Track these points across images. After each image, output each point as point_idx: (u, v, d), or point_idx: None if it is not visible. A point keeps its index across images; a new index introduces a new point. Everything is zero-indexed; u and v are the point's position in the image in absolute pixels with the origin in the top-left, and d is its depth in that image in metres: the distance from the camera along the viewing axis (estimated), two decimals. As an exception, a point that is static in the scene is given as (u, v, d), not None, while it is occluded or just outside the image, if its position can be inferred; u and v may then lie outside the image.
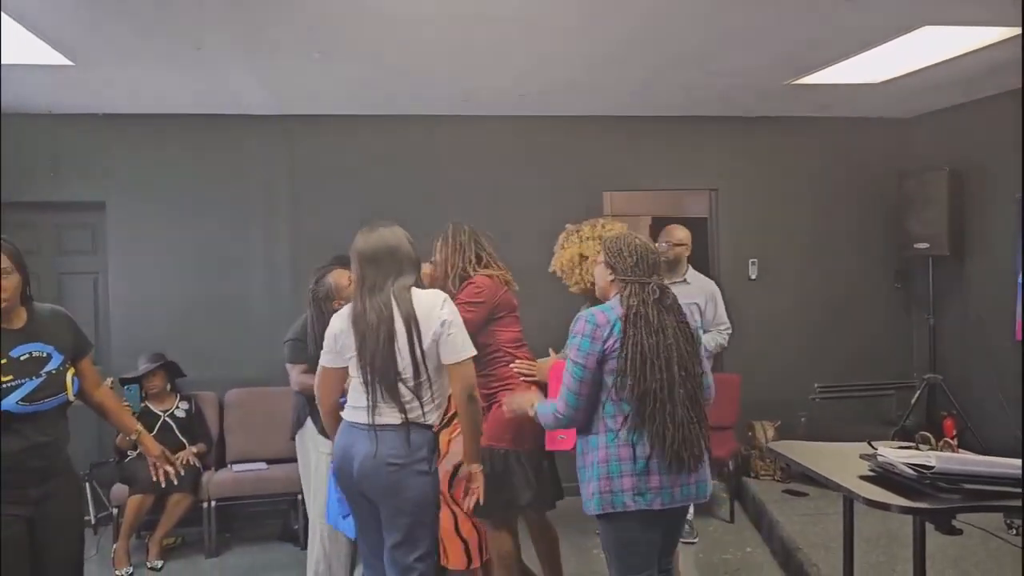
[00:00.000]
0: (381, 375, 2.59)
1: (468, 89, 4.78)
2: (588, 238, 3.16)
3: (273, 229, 5.32)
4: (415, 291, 2.67)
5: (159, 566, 4.49)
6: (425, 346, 2.60)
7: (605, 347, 2.48)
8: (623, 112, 5.54)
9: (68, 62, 3.88)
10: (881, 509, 2.33)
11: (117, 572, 4.32)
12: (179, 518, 4.62)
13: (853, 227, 5.88)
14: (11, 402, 2.45)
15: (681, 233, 4.52)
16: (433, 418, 2.69)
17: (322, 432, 3.74)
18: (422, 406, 2.64)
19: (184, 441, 4.80)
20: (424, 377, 2.61)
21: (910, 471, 2.38)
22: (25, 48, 3.63)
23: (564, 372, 2.55)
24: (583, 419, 2.56)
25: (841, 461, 2.72)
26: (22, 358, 2.51)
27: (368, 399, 2.60)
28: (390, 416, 2.61)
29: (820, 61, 4.32)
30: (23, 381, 2.48)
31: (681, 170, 5.81)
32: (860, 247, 5.89)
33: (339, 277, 3.70)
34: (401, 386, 2.60)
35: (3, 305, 2.46)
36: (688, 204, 6.76)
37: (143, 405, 4.72)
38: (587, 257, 3.12)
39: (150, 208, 5.21)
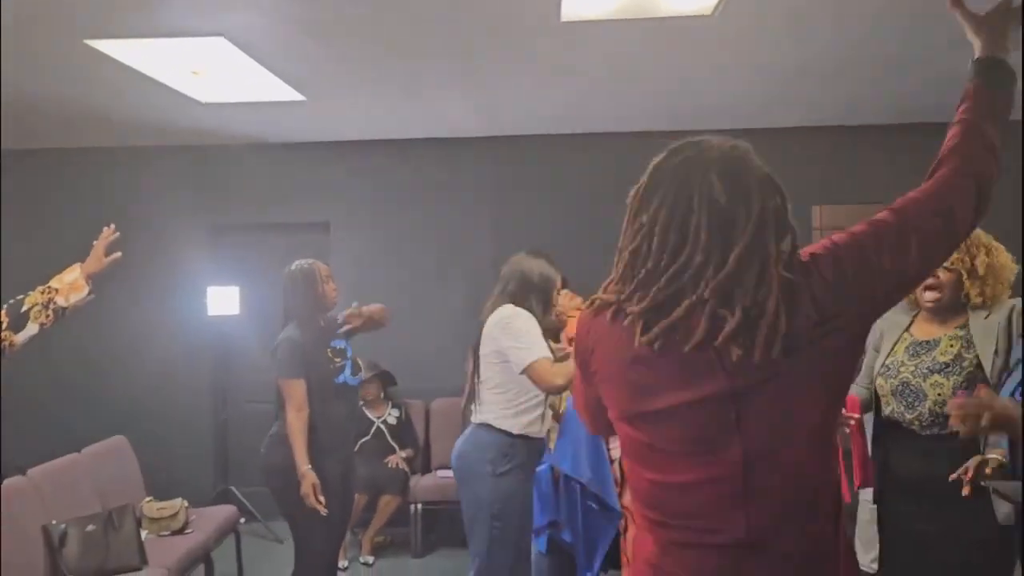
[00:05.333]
0: None
1: (673, 105, 4.75)
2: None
3: (479, 246, 5.55)
4: (500, 307, 2.93)
5: (371, 562, 4.81)
6: (482, 357, 2.93)
7: None
8: (834, 121, 5.27)
9: (301, 97, 4.30)
10: None
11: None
12: (389, 518, 4.92)
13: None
14: (347, 375, 3.39)
15: None
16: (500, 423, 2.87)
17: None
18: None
19: (394, 446, 5.10)
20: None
21: None
22: (267, 87, 4.06)
23: None
24: None
25: None
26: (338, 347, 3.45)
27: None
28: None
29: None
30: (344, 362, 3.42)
31: (898, 182, 5.37)
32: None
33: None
34: None
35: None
36: (907, 218, 6.28)
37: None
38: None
39: (367, 227, 5.62)
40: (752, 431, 1.21)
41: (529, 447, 2.91)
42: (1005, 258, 2.51)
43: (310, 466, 3.14)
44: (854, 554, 1.35)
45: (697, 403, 1.22)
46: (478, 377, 2.93)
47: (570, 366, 2.81)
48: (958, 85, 1.54)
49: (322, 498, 3.13)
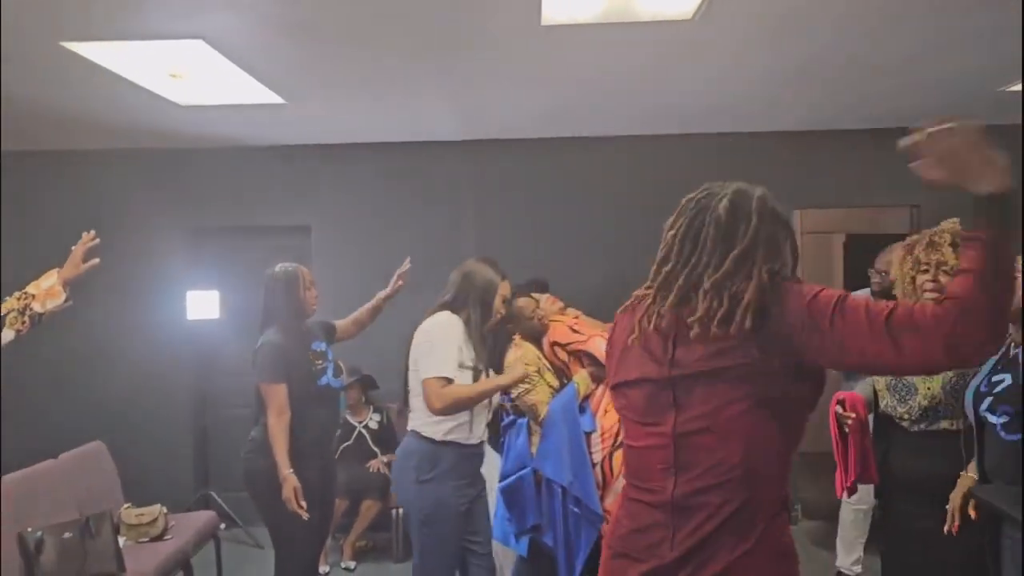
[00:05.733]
0: None
1: (648, 108, 4.77)
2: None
3: (460, 250, 5.53)
4: (433, 315, 2.96)
5: (352, 567, 4.79)
6: (409, 364, 2.97)
7: None
8: (813, 126, 5.32)
9: (282, 100, 4.27)
10: None
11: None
12: (370, 523, 4.90)
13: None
14: (330, 377, 3.37)
15: None
16: (424, 429, 2.90)
17: (494, 446, 3.87)
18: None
19: (376, 451, 5.09)
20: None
21: None
22: (246, 90, 4.04)
23: None
24: None
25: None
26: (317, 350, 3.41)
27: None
28: None
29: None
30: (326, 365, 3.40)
31: (879, 185, 5.47)
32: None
33: (525, 304, 3.78)
34: None
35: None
36: (887, 221, 6.34)
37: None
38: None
39: (348, 231, 5.60)
40: (684, 413, 1.56)
41: (459, 453, 2.91)
42: None
43: (292, 470, 3.12)
44: (784, 542, 1.57)
45: (645, 382, 1.62)
46: (407, 385, 2.97)
47: (463, 392, 2.81)
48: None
49: (303, 503, 3.12)
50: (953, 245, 2.59)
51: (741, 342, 1.49)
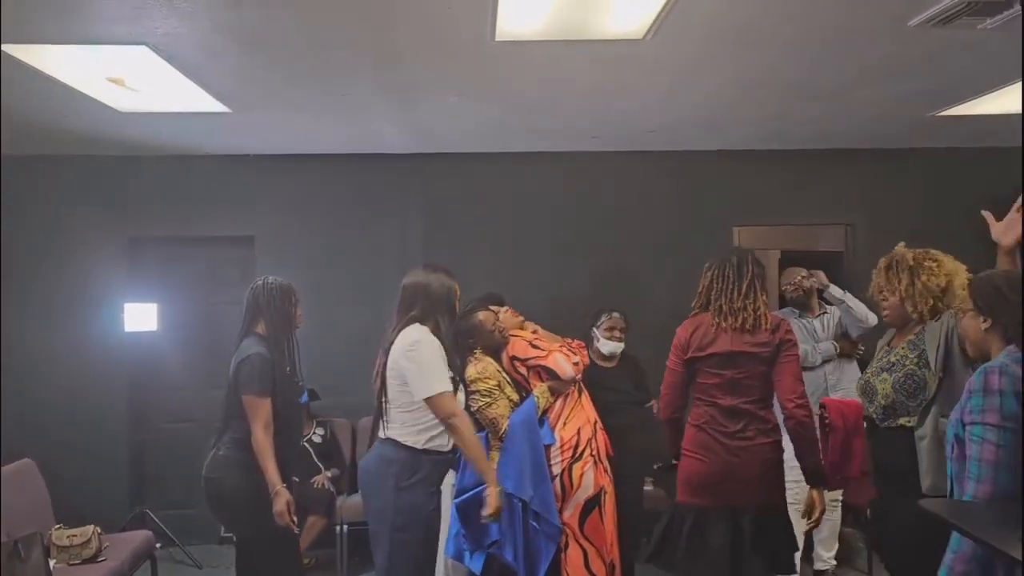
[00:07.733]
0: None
1: (596, 126, 4.84)
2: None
3: (407, 263, 5.50)
4: (405, 330, 2.95)
5: (295, 585, 4.69)
6: (388, 379, 2.96)
7: None
8: (754, 146, 5.46)
9: (226, 109, 4.21)
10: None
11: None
12: (314, 539, 4.81)
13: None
14: (304, 398, 3.29)
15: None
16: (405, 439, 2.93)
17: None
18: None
19: (320, 465, 5.01)
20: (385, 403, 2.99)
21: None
22: (189, 98, 3.97)
23: (979, 446, 2.04)
24: None
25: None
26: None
27: None
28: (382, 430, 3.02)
29: (968, 92, 4.14)
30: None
31: (815, 204, 5.65)
32: (1013, 285, 5.50)
33: (486, 318, 3.78)
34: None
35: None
36: (822, 239, 6.53)
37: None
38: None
39: (293, 242, 5.51)
40: (737, 369, 3.02)
41: (435, 461, 2.96)
42: (934, 277, 2.88)
43: (285, 484, 3.10)
44: (777, 422, 3.08)
45: (720, 353, 3.02)
46: (385, 398, 2.97)
47: (460, 399, 2.94)
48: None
49: (295, 516, 3.11)
50: (887, 268, 2.98)
51: (766, 341, 2.99)
